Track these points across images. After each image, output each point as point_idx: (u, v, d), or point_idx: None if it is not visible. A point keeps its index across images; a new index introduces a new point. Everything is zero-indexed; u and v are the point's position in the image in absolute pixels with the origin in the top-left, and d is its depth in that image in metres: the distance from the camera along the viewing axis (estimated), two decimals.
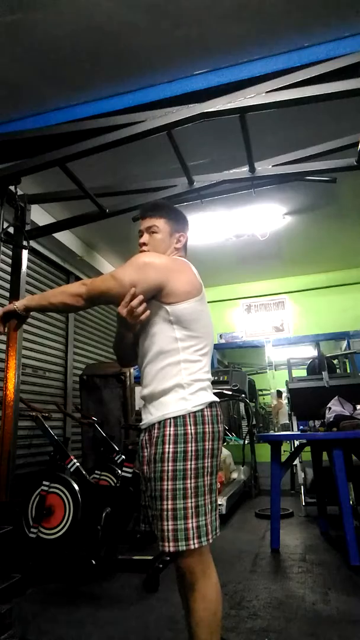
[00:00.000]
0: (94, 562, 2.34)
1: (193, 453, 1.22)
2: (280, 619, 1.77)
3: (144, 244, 1.49)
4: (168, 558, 2.47)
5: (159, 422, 1.26)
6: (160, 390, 1.30)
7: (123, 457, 3.14)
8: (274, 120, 2.56)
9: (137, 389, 4.84)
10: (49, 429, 2.81)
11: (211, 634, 1.17)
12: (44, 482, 2.58)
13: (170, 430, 1.24)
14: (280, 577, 2.33)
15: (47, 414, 2.93)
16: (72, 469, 2.71)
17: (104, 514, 2.45)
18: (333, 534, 3.08)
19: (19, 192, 2.90)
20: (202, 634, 1.17)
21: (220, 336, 6.18)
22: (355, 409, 2.94)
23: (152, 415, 1.31)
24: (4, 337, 2.82)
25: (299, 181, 3.01)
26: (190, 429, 1.24)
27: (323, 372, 3.92)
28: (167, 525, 1.17)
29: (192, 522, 1.17)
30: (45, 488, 2.57)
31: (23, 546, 2.46)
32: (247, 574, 2.35)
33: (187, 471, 1.20)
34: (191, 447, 1.22)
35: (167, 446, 1.22)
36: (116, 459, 3.35)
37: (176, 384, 1.29)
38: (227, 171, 2.78)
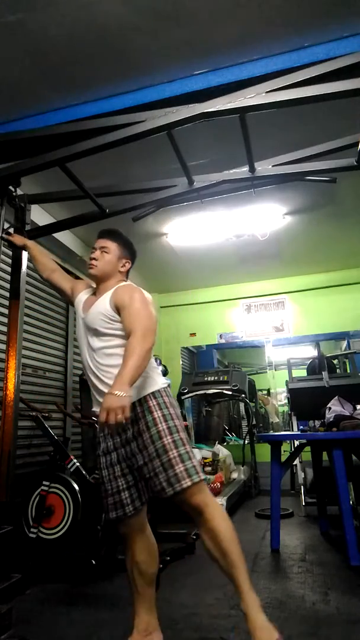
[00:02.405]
0: (94, 562, 2.34)
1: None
2: (280, 619, 1.77)
3: (95, 259, 1.77)
4: (168, 558, 2.48)
5: (139, 400, 1.55)
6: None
7: None
8: (274, 120, 2.56)
9: None
10: (49, 429, 2.81)
11: (237, 545, 1.46)
12: (44, 482, 2.58)
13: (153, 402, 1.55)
14: (280, 577, 2.33)
15: (47, 414, 2.93)
16: (72, 469, 2.72)
17: (103, 514, 2.45)
18: (333, 534, 3.08)
19: (19, 192, 2.90)
20: (233, 547, 1.44)
21: (220, 336, 6.18)
22: (355, 409, 2.94)
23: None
24: (4, 337, 2.82)
25: (299, 181, 3.01)
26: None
27: (323, 372, 3.92)
28: (179, 467, 1.46)
29: (194, 461, 1.50)
30: (45, 488, 2.57)
31: (23, 546, 2.46)
32: None
33: (176, 426, 1.54)
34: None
35: (157, 412, 1.54)
36: None
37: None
38: (227, 171, 2.78)
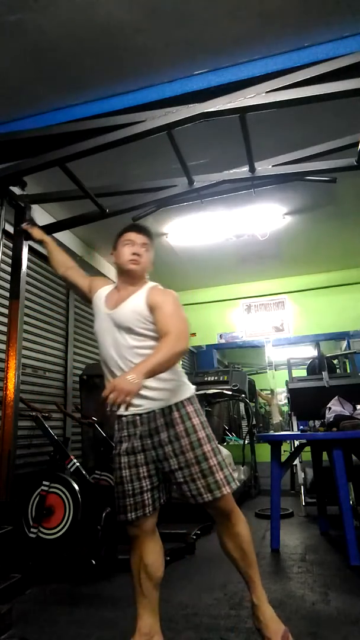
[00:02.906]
0: (94, 562, 2.34)
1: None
2: (280, 619, 1.77)
3: (138, 254, 1.72)
4: (168, 558, 2.48)
5: (175, 404, 1.57)
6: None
7: None
8: (274, 120, 2.56)
9: None
10: (49, 429, 2.81)
11: (252, 546, 1.59)
12: (44, 482, 2.58)
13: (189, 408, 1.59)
14: (280, 577, 2.33)
15: (47, 414, 2.93)
16: (72, 469, 2.72)
17: (104, 514, 2.46)
18: (333, 534, 3.08)
19: (19, 192, 2.90)
20: (251, 548, 1.58)
21: (220, 336, 6.19)
22: (355, 409, 2.94)
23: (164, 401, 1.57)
24: (4, 337, 2.82)
25: (299, 181, 3.01)
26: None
27: (323, 372, 3.92)
28: (220, 475, 1.52)
29: (230, 469, 1.58)
30: (45, 488, 2.57)
31: (23, 546, 2.46)
32: None
33: (212, 434, 1.60)
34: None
35: (196, 419, 1.57)
36: None
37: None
38: (227, 171, 2.78)
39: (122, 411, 1.51)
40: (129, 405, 1.33)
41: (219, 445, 1.60)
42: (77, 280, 1.96)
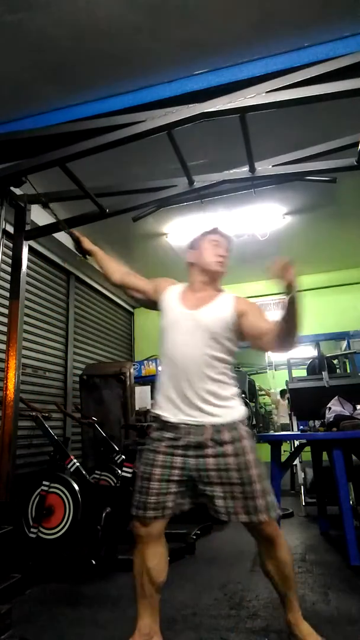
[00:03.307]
0: (94, 562, 2.34)
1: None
2: (280, 619, 1.77)
3: (225, 257, 1.76)
4: (168, 558, 2.48)
5: (229, 424, 1.56)
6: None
7: (123, 457, 3.14)
8: (274, 120, 2.55)
9: (137, 389, 4.84)
10: (49, 429, 2.81)
11: (293, 572, 1.63)
12: (44, 482, 2.58)
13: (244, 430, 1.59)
14: None
15: (47, 414, 2.93)
16: (72, 469, 2.72)
17: (104, 514, 2.46)
18: (333, 534, 3.08)
19: (19, 192, 2.90)
20: (291, 574, 1.59)
21: None
22: (355, 409, 2.94)
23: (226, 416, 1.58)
24: (4, 337, 2.82)
25: (299, 181, 3.01)
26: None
27: (323, 372, 3.92)
28: (267, 499, 1.52)
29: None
30: (45, 488, 2.57)
31: (23, 546, 2.46)
32: (247, 574, 2.35)
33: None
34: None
35: (247, 441, 1.57)
36: (116, 459, 3.35)
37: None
38: (227, 171, 2.78)
39: (170, 418, 1.55)
40: (293, 286, 1.47)
41: (265, 472, 1.60)
42: (137, 284, 1.89)
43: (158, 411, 1.61)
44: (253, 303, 1.71)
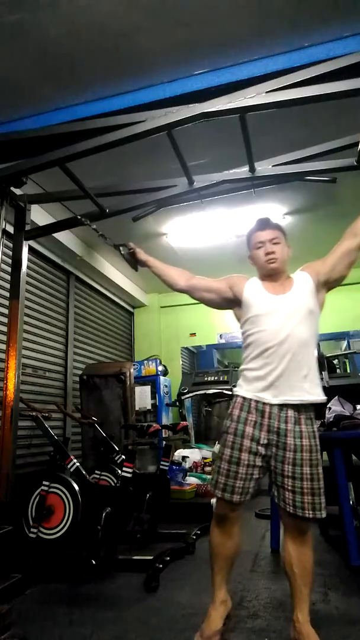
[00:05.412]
0: (94, 562, 2.34)
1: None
2: (280, 619, 1.77)
3: (273, 252, 1.78)
4: (168, 558, 2.48)
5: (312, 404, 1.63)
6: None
7: (123, 457, 3.14)
8: (274, 120, 2.56)
9: (137, 389, 4.85)
10: (49, 429, 2.80)
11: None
12: (44, 482, 2.58)
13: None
14: (280, 577, 2.32)
15: (47, 414, 2.92)
16: (72, 469, 2.71)
17: (104, 514, 2.45)
18: (333, 534, 3.08)
19: (19, 192, 2.91)
20: (312, 569, 1.62)
21: (220, 336, 6.18)
22: (355, 409, 2.94)
23: (310, 395, 1.63)
24: (4, 337, 2.82)
25: (299, 181, 3.01)
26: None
27: (323, 372, 3.92)
28: (322, 499, 1.57)
29: None
30: (45, 488, 2.56)
31: (23, 546, 2.46)
32: (247, 574, 2.35)
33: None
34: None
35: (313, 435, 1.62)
36: (116, 459, 3.35)
37: None
38: (227, 171, 2.78)
39: (269, 399, 1.59)
40: None
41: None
42: (208, 285, 1.91)
43: (248, 394, 1.65)
44: (313, 262, 1.86)
